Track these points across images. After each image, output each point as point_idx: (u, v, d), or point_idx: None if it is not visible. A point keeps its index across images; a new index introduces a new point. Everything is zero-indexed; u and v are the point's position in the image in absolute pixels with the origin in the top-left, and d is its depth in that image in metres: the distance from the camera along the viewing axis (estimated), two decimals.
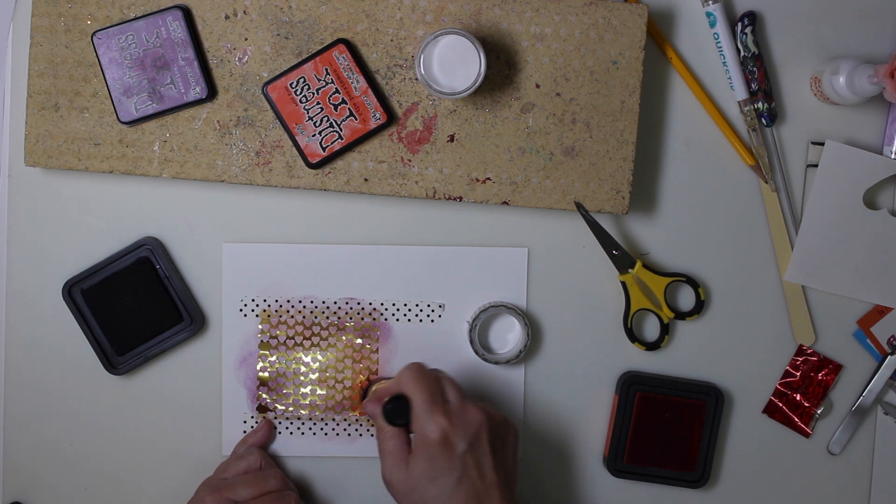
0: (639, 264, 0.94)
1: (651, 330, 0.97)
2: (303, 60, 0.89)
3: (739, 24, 0.94)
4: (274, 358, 0.95)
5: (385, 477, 0.85)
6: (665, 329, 0.96)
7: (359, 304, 0.95)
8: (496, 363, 0.94)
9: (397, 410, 0.84)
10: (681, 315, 0.96)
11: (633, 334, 0.96)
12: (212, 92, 0.89)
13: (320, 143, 0.90)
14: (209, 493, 0.89)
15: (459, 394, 0.85)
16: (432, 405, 0.83)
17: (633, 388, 0.95)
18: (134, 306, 0.93)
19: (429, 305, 0.96)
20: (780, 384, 0.98)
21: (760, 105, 0.95)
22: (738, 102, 0.95)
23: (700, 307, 0.96)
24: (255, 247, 0.95)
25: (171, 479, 0.96)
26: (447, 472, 0.82)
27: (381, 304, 0.95)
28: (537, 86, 0.91)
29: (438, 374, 0.86)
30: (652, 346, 0.96)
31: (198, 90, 0.89)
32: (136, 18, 0.89)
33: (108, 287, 0.93)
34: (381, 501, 0.97)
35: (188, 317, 0.94)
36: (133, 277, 0.93)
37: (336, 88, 0.89)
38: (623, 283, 0.94)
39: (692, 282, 0.95)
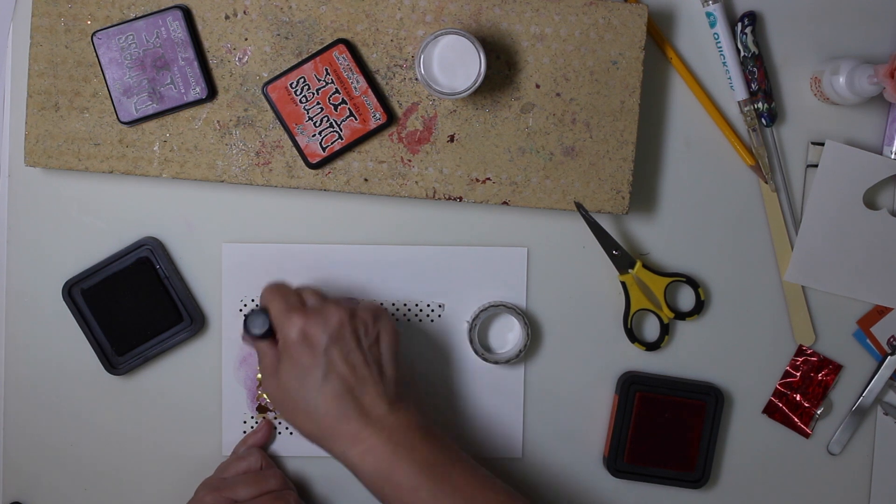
0: (639, 264, 0.94)
1: (651, 330, 0.97)
2: (303, 60, 0.89)
3: (739, 24, 0.94)
4: None
5: (265, 391, 0.85)
6: (665, 329, 0.96)
7: (359, 304, 0.95)
8: (496, 363, 0.94)
9: (255, 321, 0.84)
10: (681, 315, 0.96)
11: (633, 334, 0.96)
12: (212, 92, 0.89)
13: (320, 143, 0.90)
14: (209, 492, 0.89)
15: (319, 296, 0.85)
16: (288, 308, 0.83)
17: (633, 388, 0.95)
18: (134, 306, 0.93)
19: (429, 305, 0.96)
20: (780, 384, 0.98)
21: (760, 105, 0.95)
22: (738, 102, 0.95)
23: (700, 307, 0.96)
24: (255, 247, 0.95)
25: (171, 480, 0.96)
26: (312, 369, 0.81)
27: (381, 304, 0.95)
28: (537, 86, 0.91)
29: (301, 287, 0.87)
30: (652, 347, 0.96)
31: (198, 90, 0.89)
32: (136, 18, 0.89)
33: (108, 287, 0.93)
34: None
35: (188, 317, 0.94)
36: (133, 277, 0.93)
37: (336, 88, 0.89)
38: (623, 284, 0.94)
39: (692, 282, 0.95)
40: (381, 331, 0.85)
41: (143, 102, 0.89)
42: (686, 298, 0.97)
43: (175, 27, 0.88)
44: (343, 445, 0.81)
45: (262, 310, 0.85)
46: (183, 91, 0.89)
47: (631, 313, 0.95)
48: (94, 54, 0.89)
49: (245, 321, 0.84)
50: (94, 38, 0.88)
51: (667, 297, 0.96)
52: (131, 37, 0.88)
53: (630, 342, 0.96)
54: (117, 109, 0.89)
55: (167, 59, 0.89)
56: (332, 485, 0.96)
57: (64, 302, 0.93)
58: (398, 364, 0.86)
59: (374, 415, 0.82)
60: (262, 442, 0.94)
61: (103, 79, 0.89)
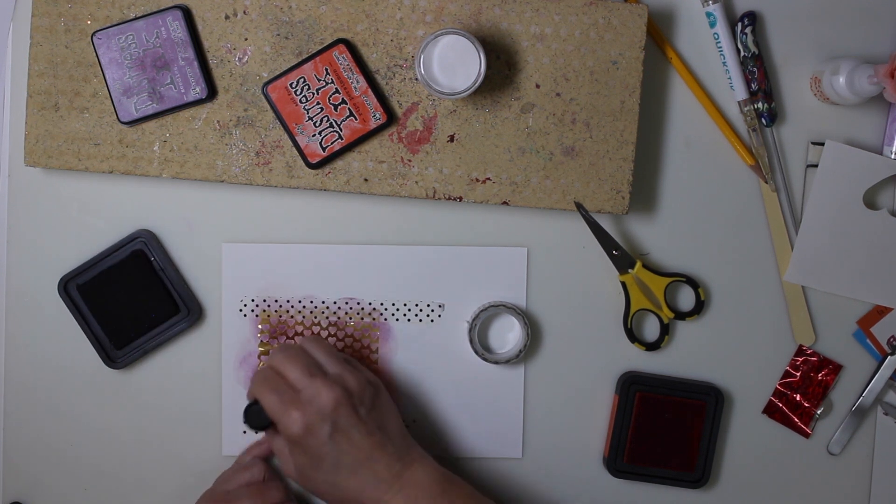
0: (639, 264, 0.94)
1: (651, 330, 0.97)
2: (303, 60, 0.89)
3: (739, 24, 0.94)
4: None
5: (284, 472, 0.90)
6: (665, 329, 0.96)
7: (359, 304, 0.95)
8: (496, 363, 0.94)
9: (256, 416, 0.87)
10: (681, 315, 0.96)
11: (633, 334, 0.96)
12: (212, 92, 0.89)
13: (320, 143, 0.90)
14: None
15: (304, 372, 0.86)
16: (281, 404, 0.85)
17: (633, 388, 0.95)
18: (130, 299, 0.93)
19: (428, 305, 0.96)
20: (780, 384, 0.98)
21: (760, 105, 0.95)
22: (738, 102, 0.95)
23: (700, 307, 0.96)
24: (254, 247, 0.95)
25: (171, 479, 0.96)
26: (324, 457, 0.84)
27: (381, 304, 0.95)
28: (537, 86, 0.91)
29: (284, 358, 0.87)
30: (652, 347, 0.96)
31: (198, 90, 0.89)
32: (136, 18, 0.89)
33: (103, 281, 0.93)
34: None
35: (185, 307, 0.94)
36: (128, 270, 0.93)
37: (336, 88, 0.89)
38: (623, 284, 0.94)
39: (692, 282, 0.95)
40: (374, 393, 0.88)
41: (143, 102, 0.89)
42: (686, 298, 0.97)
43: (175, 27, 0.88)
44: None
45: (256, 403, 0.87)
46: (183, 91, 0.89)
47: (631, 313, 0.95)
48: (94, 54, 0.89)
49: (246, 418, 0.87)
50: (94, 38, 0.88)
51: (667, 297, 0.96)
52: (131, 37, 0.88)
53: (630, 342, 0.96)
54: (117, 109, 0.89)
55: (167, 59, 0.89)
56: None
57: (60, 298, 0.93)
58: (397, 417, 0.89)
59: (391, 477, 0.85)
60: (265, 453, 0.94)
61: (103, 79, 0.89)
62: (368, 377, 0.88)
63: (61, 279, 0.93)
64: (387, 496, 0.84)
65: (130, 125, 0.89)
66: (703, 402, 0.95)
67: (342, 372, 0.87)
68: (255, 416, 0.87)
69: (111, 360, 0.94)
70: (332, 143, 0.90)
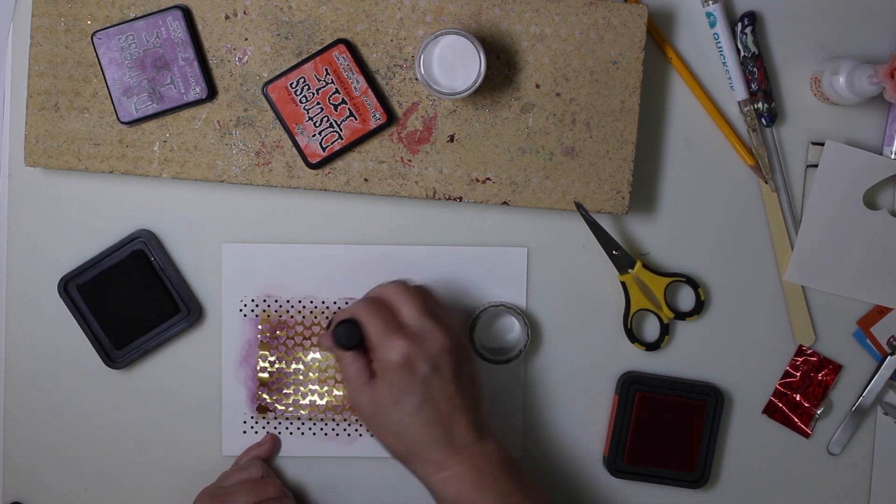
0: (639, 264, 0.94)
1: (651, 330, 0.97)
2: (303, 60, 0.89)
3: (739, 25, 0.94)
4: (274, 358, 0.95)
5: (351, 402, 0.85)
6: (665, 329, 0.96)
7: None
8: (496, 363, 0.94)
9: (347, 333, 0.83)
10: (681, 315, 0.96)
11: (633, 334, 0.96)
12: (212, 92, 0.89)
13: (320, 143, 0.90)
14: (207, 501, 0.89)
15: (421, 312, 0.84)
16: (388, 329, 0.82)
17: (633, 388, 0.95)
18: (130, 299, 0.93)
19: None
20: (780, 384, 0.98)
21: (760, 105, 0.95)
22: (738, 102, 0.95)
23: (700, 307, 0.96)
24: (255, 247, 0.95)
25: (171, 479, 0.96)
26: (410, 396, 0.82)
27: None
28: (537, 86, 0.91)
29: (400, 292, 0.85)
30: (652, 347, 0.96)
31: (198, 90, 0.89)
32: (135, 18, 0.89)
33: (103, 281, 0.93)
34: (380, 502, 0.97)
35: (185, 307, 0.94)
36: (128, 270, 0.93)
37: (336, 88, 0.89)
38: (623, 284, 0.94)
39: (692, 282, 0.95)
40: (470, 358, 0.86)
41: (143, 102, 0.89)
42: (686, 298, 0.97)
43: (175, 27, 0.88)
44: (428, 469, 0.83)
45: (353, 321, 0.84)
46: (183, 91, 0.89)
47: (631, 313, 0.95)
48: (94, 54, 0.89)
49: (336, 331, 0.83)
50: (94, 38, 0.88)
51: (667, 297, 0.96)
52: (131, 37, 0.88)
53: (630, 342, 0.96)
54: (117, 109, 0.89)
55: (167, 59, 0.89)
56: (331, 486, 0.96)
57: (60, 297, 0.93)
58: (481, 391, 0.87)
59: (463, 443, 0.83)
60: (265, 455, 0.94)
61: (103, 79, 0.89)
62: (468, 344, 0.87)
63: (61, 279, 0.93)
64: (453, 460, 0.82)
65: (130, 125, 0.89)
66: (703, 402, 0.95)
67: (452, 324, 0.85)
68: (347, 333, 0.83)
69: (111, 360, 0.94)
70: (332, 143, 0.90)
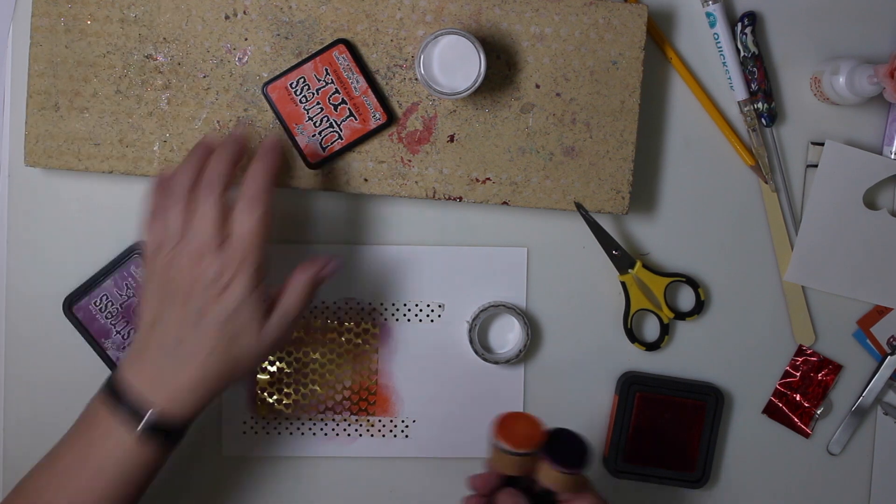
0: (639, 264, 0.94)
1: (651, 330, 0.97)
2: (303, 60, 0.89)
3: (739, 25, 0.94)
4: (274, 358, 0.95)
5: None
6: (665, 329, 0.96)
7: (359, 304, 0.95)
8: (496, 363, 0.94)
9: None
10: (681, 315, 0.96)
11: (633, 334, 0.96)
12: None
13: (320, 143, 0.90)
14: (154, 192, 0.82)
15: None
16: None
17: (633, 388, 0.95)
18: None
19: (428, 305, 0.96)
20: (780, 384, 0.98)
21: (760, 105, 0.95)
22: (738, 102, 0.95)
23: (700, 307, 0.96)
24: None
25: (171, 480, 0.95)
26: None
27: (381, 304, 0.95)
28: (537, 86, 0.91)
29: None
30: (652, 347, 0.96)
31: None
32: (104, 276, 0.92)
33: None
34: (379, 502, 0.97)
35: None
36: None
37: (336, 89, 0.89)
38: (623, 284, 0.94)
39: (692, 282, 0.95)
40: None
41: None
42: (686, 298, 0.97)
43: (138, 273, 0.92)
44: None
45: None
46: None
47: (631, 313, 0.95)
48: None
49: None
50: (72, 310, 0.92)
51: (667, 298, 0.96)
52: (105, 297, 0.92)
53: (630, 342, 0.96)
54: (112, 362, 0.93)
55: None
56: (331, 485, 0.96)
57: (65, 317, 0.93)
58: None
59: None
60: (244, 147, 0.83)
61: (94, 344, 0.93)
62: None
63: (65, 300, 0.92)
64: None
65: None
66: (703, 402, 0.96)
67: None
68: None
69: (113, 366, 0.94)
70: (332, 144, 0.90)
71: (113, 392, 0.79)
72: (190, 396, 0.78)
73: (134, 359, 0.80)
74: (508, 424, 0.77)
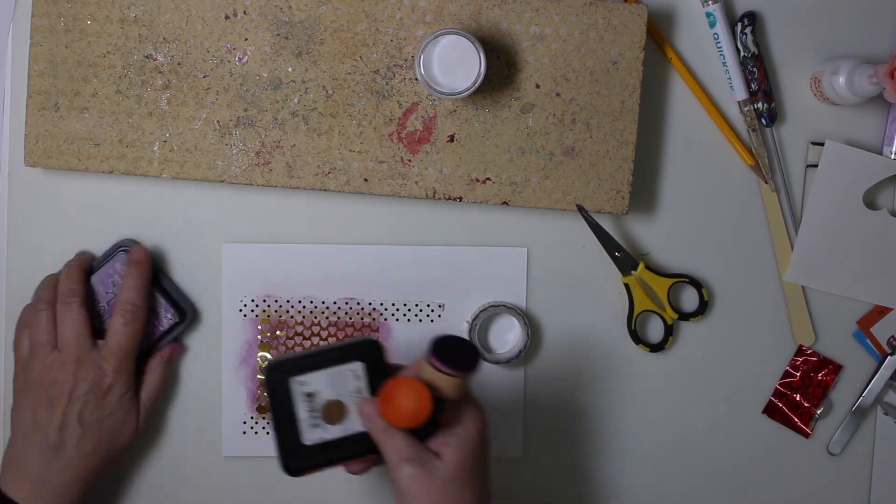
0: (642, 266, 0.94)
1: (655, 331, 0.97)
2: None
3: (739, 25, 0.94)
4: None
5: None
6: (669, 330, 0.96)
7: (359, 304, 0.95)
8: (496, 363, 0.94)
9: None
10: (684, 316, 0.96)
11: (637, 336, 0.96)
12: None
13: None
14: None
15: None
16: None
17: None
18: None
19: (428, 305, 0.96)
20: (779, 384, 0.98)
21: (760, 105, 0.95)
22: (738, 102, 0.95)
23: (704, 308, 0.96)
24: (254, 247, 0.94)
25: (171, 480, 0.95)
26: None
27: (381, 305, 0.95)
28: (537, 86, 0.91)
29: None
30: (656, 348, 0.96)
31: None
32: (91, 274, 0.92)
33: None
34: (379, 501, 0.97)
35: (178, 313, 0.93)
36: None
37: None
38: (626, 285, 0.94)
39: (695, 283, 0.95)
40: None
41: None
42: (689, 299, 0.97)
43: None
44: None
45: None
46: None
47: (635, 315, 0.95)
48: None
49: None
50: None
51: (670, 298, 0.96)
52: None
53: (634, 343, 0.96)
54: None
55: None
56: (330, 485, 0.96)
57: None
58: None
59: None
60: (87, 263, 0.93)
61: None
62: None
63: None
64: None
65: None
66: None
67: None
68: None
69: None
70: None
71: None
72: (76, 493, 0.86)
73: (12, 470, 0.85)
74: (391, 396, 0.74)
